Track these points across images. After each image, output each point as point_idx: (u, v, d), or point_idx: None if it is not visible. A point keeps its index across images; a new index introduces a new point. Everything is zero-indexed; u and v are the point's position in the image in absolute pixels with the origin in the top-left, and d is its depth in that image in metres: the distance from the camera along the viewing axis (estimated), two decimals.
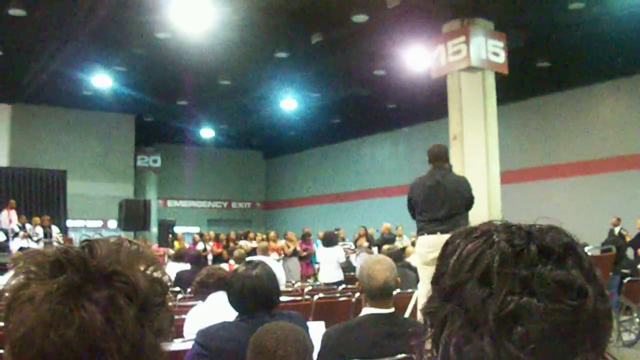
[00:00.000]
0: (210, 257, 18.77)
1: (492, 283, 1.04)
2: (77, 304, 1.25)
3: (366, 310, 3.77)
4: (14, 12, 14.63)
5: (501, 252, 1.07)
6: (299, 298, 8.22)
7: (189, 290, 7.81)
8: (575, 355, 1.02)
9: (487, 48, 12.74)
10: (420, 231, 7.25)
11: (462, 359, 1.04)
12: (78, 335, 1.23)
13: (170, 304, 1.41)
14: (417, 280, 7.60)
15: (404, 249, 11.79)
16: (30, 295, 1.28)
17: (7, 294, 1.35)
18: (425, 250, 6.94)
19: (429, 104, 18.78)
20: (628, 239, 15.26)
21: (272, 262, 11.42)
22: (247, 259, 5.88)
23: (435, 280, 1.15)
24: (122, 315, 1.27)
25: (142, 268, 1.37)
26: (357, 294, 7.57)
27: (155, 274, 1.39)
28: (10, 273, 1.39)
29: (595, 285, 1.06)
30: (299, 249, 17.69)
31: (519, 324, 1.02)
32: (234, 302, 3.63)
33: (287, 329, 2.43)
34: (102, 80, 19.82)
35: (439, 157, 7.44)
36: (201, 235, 21.90)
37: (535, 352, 1.01)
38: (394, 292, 3.84)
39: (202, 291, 5.34)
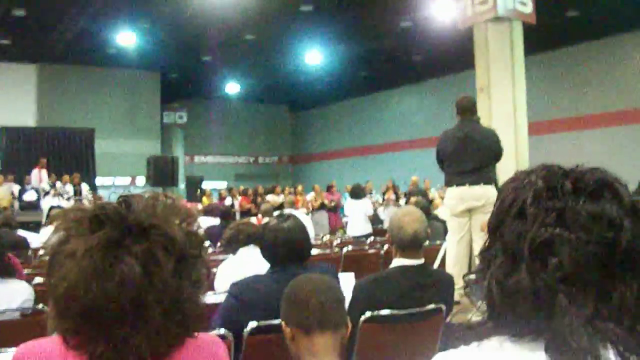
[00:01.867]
0: (238, 211, 18.64)
1: (527, 217, 1.07)
2: (117, 257, 1.29)
3: (396, 262, 3.78)
4: None
5: (535, 188, 1.10)
6: (328, 251, 8.21)
7: (218, 244, 7.84)
8: (613, 286, 1.04)
9: None
10: (449, 183, 7.25)
11: (503, 292, 1.07)
12: (119, 288, 1.26)
13: (205, 252, 1.46)
14: (446, 232, 7.58)
15: (431, 201, 11.72)
16: (71, 251, 1.31)
17: (48, 250, 1.37)
18: (453, 202, 6.99)
19: (456, 55, 18.53)
20: None
21: (301, 215, 11.61)
22: (276, 212, 5.86)
23: (487, 225, 1.17)
24: (160, 268, 1.31)
25: (177, 221, 1.40)
26: (386, 246, 7.64)
27: (190, 227, 1.42)
28: (49, 229, 1.42)
29: (635, 221, 1.07)
30: (326, 201, 17.68)
31: (552, 254, 1.04)
32: (267, 254, 3.62)
33: (320, 279, 2.46)
34: (126, 38, 19.82)
35: (467, 109, 7.37)
36: (229, 190, 22.02)
37: (570, 282, 1.03)
38: (424, 244, 3.79)
39: (232, 245, 5.34)
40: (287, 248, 3.54)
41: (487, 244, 1.16)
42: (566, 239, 1.04)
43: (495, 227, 1.14)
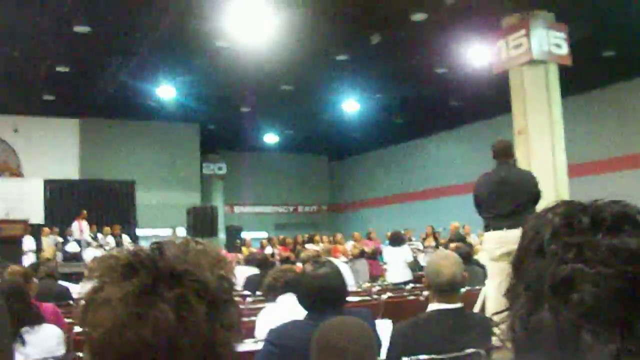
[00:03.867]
0: (278, 260, 18.32)
1: (546, 254, 1.06)
2: (151, 303, 1.29)
3: (433, 306, 3.78)
4: (79, 29, 15.09)
5: (553, 225, 1.09)
6: (367, 298, 8.26)
7: (258, 293, 7.87)
8: (638, 321, 1.01)
9: (549, 40, 12.54)
10: (487, 227, 7.25)
11: (527, 330, 1.06)
12: (153, 333, 1.27)
13: (236, 299, 1.46)
14: (486, 277, 7.57)
15: (472, 246, 11.59)
16: (106, 298, 1.32)
17: (83, 297, 1.39)
18: (492, 246, 6.92)
19: (493, 100, 18.50)
20: None
21: (339, 263, 11.43)
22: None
23: (512, 264, 1.17)
24: (193, 313, 1.31)
25: (208, 266, 1.40)
26: (426, 293, 7.21)
27: (221, 272, 1.42)
28: (88, 282, 1.45)
29: None
30: (365, 248, 17.53)
31: (574, 290, 1.02)
32: (303, 301, 3.67)
33: (350, 323, 2.46)
34: (166, 91, 20.17)
35: (503, 152, 7.41)
36: (269, 239, 22.09)
37: (593, 318, 1.01)
38: (462, 289, 3.85)
39: (272, 293, 5.38)
40: (322, 294, 3.58)
41: (511, 283, 1.16)
42: (586, 275, 1.03)
43: (517, 266, 1.14)
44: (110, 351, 1.29)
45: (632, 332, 1.02)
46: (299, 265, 10.79)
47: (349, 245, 18.53)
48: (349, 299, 5.57)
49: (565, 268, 1.05)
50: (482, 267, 8.61)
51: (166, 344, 1.28)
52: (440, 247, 16.57)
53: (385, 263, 15.13)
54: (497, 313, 1.21)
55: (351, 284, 10.38)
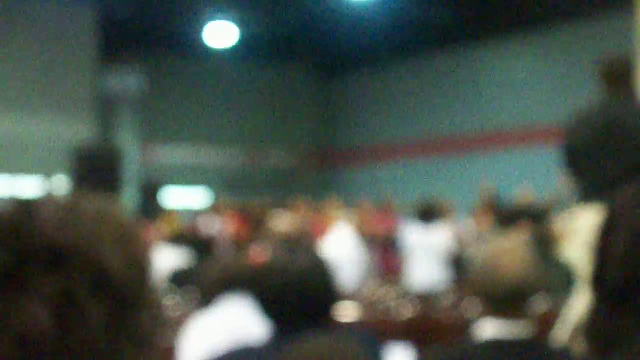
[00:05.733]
0: (226, 242, 14.75)
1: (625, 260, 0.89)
2: (12, 300, 0.97)
3: (485, 329, 2.94)
4: None
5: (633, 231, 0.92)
6: (375, 312, 6.45)
7: (190, 293, 6.55)
8: None
9: None
10: (585, 199, 5.47)
11: (604, 341, 0.89)
12: (17, 348, 0.94)
13: (157, 298, 1.13)
14: (575, 283, 5.79)
15: (552, 230, 9.13)
16: None
17: None
18: (592, 230, 3.88)
19: None
20: None
21: (329, 249, 9.31)
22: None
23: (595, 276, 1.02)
24: (83, 315, 0.98)
25: (109, 242, 1.04)
26: (474, 305, 6.10)
27: (130, 252, 1.06)
28: None
29: None
30: (376, 228, 13.49)
31: None
32: (267, 309, 2.89)
33: (340, 351, 1.82)
34: None
35: (617, 77, 5.47)
36: (213, 205, 17.05)
37: None
38: (534, 302, 3.28)
39: (214, 295, 4.07)
40: (299, 300, 2.74)
41: (591, 293, 1.00)
42: None
43: (594, 273, 0.98)
44: None
45: None
46: (261, 251, 8.01)
47: (348, 219, 12.99)
48: (342, 310, 4.81)
49: None
50: (570, 266, 6.33)
51: None
52: (502, 232, 12.10)
53: (406, 253, 11.41)
54: (594, 345, 0.94)
55: (347, 284, 8.38)
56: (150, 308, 1.04)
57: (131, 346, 0.99)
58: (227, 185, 23.36)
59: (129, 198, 19.44)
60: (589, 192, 5.66)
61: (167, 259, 8.46)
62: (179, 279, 7.61)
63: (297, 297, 2.84)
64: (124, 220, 1.08)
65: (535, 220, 10.81)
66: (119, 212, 1.08)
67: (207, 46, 23.30)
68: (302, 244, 3.30)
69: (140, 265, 1.04)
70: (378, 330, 5.29)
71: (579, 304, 5.71)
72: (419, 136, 23.09)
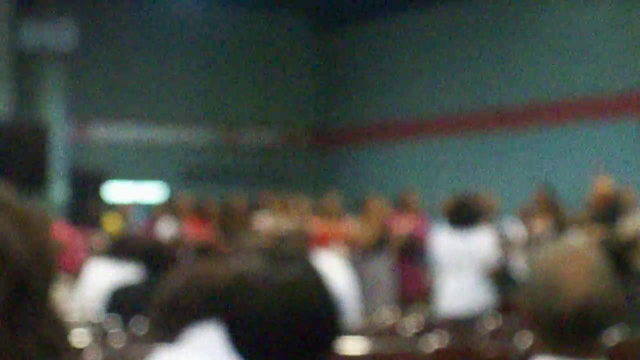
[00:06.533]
0: (187, 250, 12.56)
1: None
2: None
3: None
4: None
5: None
6: (392, 344, 5.39)
7: (138, 322, 5.54)
8: None
9: None
10: None
11: None
12: None
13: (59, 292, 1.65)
14: None
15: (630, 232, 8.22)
16: None
17: None
18: None
19: None
20: None
21: (329, 261, 7.64)
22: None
23: None
24: None
25: (13, 227, 0.98)
26: (526, 337, 5.06)
27: (36, 239, 0.99)
28: None
29: None
30: (394, 231, 11.59)
31: None
32: (241, 342, 2.00)
33: None
34: None
35: None
36: (169, 202, 14.84)
37: None
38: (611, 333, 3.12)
39: (170, 323, 2.93)
40: (285, 329, 1.94)
41: None
42: None
43: None
44: None
45: None
46: (237, 262, 6.84)
47: (353, 221, 12.11)
48: (347, 341, 4.07)
49: None
50: None
51: None
52: (563, 236, 10.86)
53: (435, 266, 10.27)
54: None
55: (353, 307, 7.11)
56: (54, 305, 0.97)
57: (35, 346, 0.90)
58: (188, 176, 19.65)
59: (56, 191, 15.92)
60: None
61: (104, 274, 6.62)
62: (120, 300, 6.15)
63: (281, 323, 2.01)
64: (26, 207, 1.00)
65: (610, 218, 8.05)
66: (18, 199, 1.02)
67: None
68: (290, 248, 2.40)
69: (42, 247, 0.97)
70: None
71: None
72: (442, 109, 18.84)
